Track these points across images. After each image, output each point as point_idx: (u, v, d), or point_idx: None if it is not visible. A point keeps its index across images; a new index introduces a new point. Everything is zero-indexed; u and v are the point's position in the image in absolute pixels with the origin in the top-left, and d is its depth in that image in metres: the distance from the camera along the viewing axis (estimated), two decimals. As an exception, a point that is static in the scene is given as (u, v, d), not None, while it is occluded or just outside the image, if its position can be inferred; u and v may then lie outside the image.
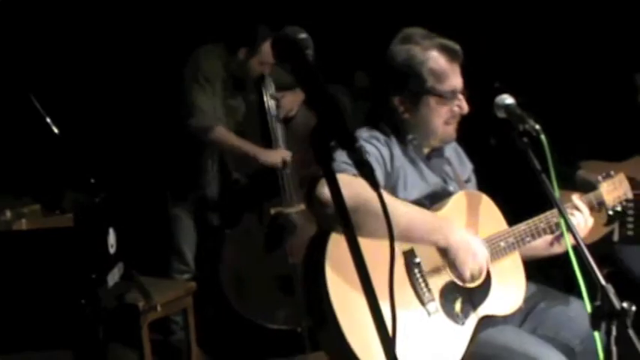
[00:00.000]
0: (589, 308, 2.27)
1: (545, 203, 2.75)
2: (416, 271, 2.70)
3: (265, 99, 4.86)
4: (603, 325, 2.19)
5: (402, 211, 2.65)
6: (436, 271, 2.75)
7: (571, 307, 2.98)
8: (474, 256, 2.75)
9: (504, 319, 2.88)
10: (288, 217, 4.79)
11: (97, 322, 3.44)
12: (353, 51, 5.22)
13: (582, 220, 2.98)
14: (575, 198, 3.03)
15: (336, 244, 2.56)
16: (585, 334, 2.87)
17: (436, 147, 3.02)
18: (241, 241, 4.85)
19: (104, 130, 5.25)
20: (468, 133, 3.04)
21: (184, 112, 4.66)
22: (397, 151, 2.89)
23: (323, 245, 2.58)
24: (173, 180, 4.96)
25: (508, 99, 2.78)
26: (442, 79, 2.87)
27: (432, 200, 2.88)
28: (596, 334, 2.33)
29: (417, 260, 2.71)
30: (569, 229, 2.54)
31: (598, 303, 2.21)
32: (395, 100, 2.90)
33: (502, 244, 2.88)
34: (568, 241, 2.64)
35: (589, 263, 2.35)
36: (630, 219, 4.25)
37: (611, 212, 3.17)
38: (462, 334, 2.75)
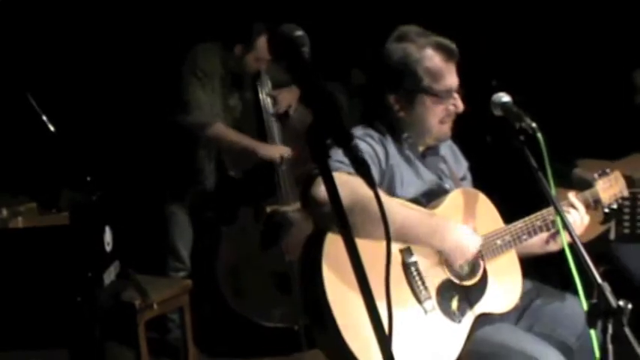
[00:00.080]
0: (585, 306, 2.27)
1: (541, 201, 2.76)
2: (412, 269, 2.70)
3: (261, 96, 4.86)
4: (599, 323, 2.19)
5: (398, 210, 2.65)
6: (433, 269, 2.75)
7: (567, 304, 2.99)
8: (466, 251, 2.76)
9: (501, 317, 2.88)
10: (284, 214, 4.79)
11: (94, 320, 3.44)
12: (349, 49, 5.21)
13: (578, 217, 2.98)
14: (572, 196, 3.03)
15: (333, 243, 2.56)
16: (581, 331, 2.87)
17: (431, 145, 3.01)
18: (237, 239, 4.86)
19: (100, 129, 5.25)
20: (465, 131, 3.04)
21: (180, 108, 4.66)
22: (392, 149, 2.88)
23: (320, 244, 2.57)
24: (169, 177, 4.95)
25: (505, 97, 2.78)
26: (438, 78, 2.86)
27: (429, 198, 2.88)
28: (593, 332, 2.34)
29: (414, 259, 2.71)
30: (566, 226, 2.55)
31: (594, 301, 2.22)
32: (390, 99, 2.89)
33: (498, 242, 2.88)
34: (564, 238, 2.65)
35: (585, 261, 2.36)
36: (626, 217, 4.25)
37: (607, 210, 3.17)
38: (458, 332, 2.75)
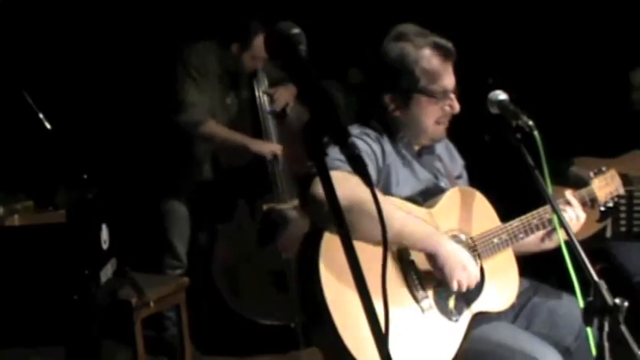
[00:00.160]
0: (581, 304, 2.27)
1: (538, 199, 2.76)
2: (409, 268, 2.70)
3: (257, 94, 4.86)
4: (596, 321, 2.20)
5: (397, 215, 2.62)
6: (430, 268, 2.74)
7: (563, 303, 2.99)
8: (463, 266, 2.71)
9: (497, 316, 2.88)
10: (280, 212, 4.79)
11: (90, 318, 3.44)
12: (346, 47, 5.21)
13: (574, 215, 2.98)
14: (568, 194, 3.03)
15: (330, 242, 2.55)
16: (578, 331, 2.88)
17: (427, 144, 3.01)
18: (234, 237, 4.86)
19: (97, 126, 5.25)
20: (461, 130, 3.04)
21: (175, 107, 4.65)
22: (388, 147, 2.88)
23: (317, 242, 2.57)
24: (168, 174, 4.95)
25: (501, 95, 2.78)
26: (434, 78, 2.85)
27: (425, 197, 2.88)
28: (589, 329, 2.34)
29: (411, 258, 2.70)
30: (562, 224, 2.55)
31: (590, 299, 2.22)
32: (386, 98, 2.88)
33: (495, 240, 2.88)
34: (561, 236, 2.65)
35: (582, 259, 2.36)
36: (623, 215, 4.26)
37: (602, 208, 3.18)
38: (455, 331, 2.74)
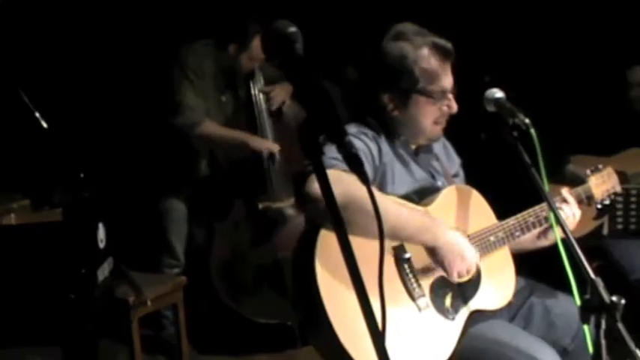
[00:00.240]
0: (578, 302, 2.27)
1: (534, 197, 2.75)
2: (406, 266, 2.70)
3: (254, 92, 4.86)
4: (592, 319, 2.20)
5: (393, 209, 2.64)
6: (426, 266, 2.74)
7: (560, 303, 2.99)
8: (462, 257, 2.73)
9: (494, 314, 2.88)
10: (276, 211, 4.79)
11: (87, 317, 3.43)
12: (341, 46, 5.21)
13: (571, 213, 2.98)
14: (564, 191, 3.04)
15: (326, 240, 2.55)
16: (576, 331, 2.89)
17: (424, 144, 3.01)
18: (230, 235, 4.85)
19: (94, 125, 5.24)
20: (458, 128, 3.04)
21: (171, 109, 4.66)
22: (385, 146, 2.88)
23: (312, 241, 2.57)
24: (164, 172, 4.95)
25: (498, 93, 2.78)
26: (433, 79, 2.85)
27: (421, 196, 2.88)
28: (586, 327, 2.34)
29: (407, 255, 2.71)
30: (559, 222, 2.55)
31: (587, 296, 2.22)
32: (384, 98, 2.88)
33: (492, 238, 2.88)
34: (557, 234, 2.65)
35: (578, 256, 2.36)
36: (619, 212, 4.26)
37: (599, 206, 3.18)
38: (452, 329, 2.75)
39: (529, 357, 2.68)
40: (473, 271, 2.79)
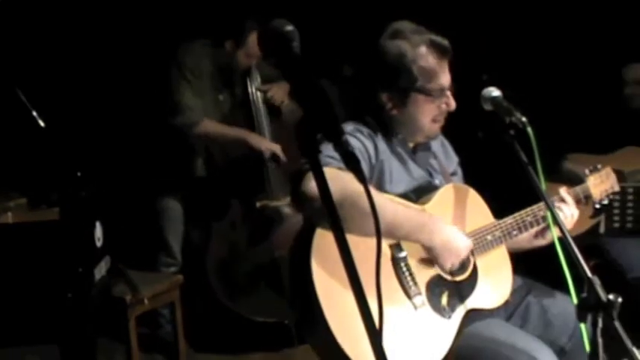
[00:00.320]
0: (575, 300, 2.27)
1: (532, 196, 2.75)
2: (402, 264, 2.70)
3: (251, 91, 4.86)
4: (589, 317, 2.20)
5: (388, 207, 2.64)
6: (422, 264, 2.75)
7: (557, 302, 2.99)
8: (457, 255, 2.75)
9: (491, 313, 2.88)
10: (274, 209, 4.79)
11: (84, 316, 3.43)
12: (339, 44, 5.21)
13: (569, 213, 2.98)
14: (562, 191, 3.03)
15: (322, 238, 2.56)
16: (573, 330, 2.89)
17: (422, 141, 3.01)
18: (227, 234, 4.85)
19: (91, 124, 5.24)
20: (455, 126, 3.04)
21: (170, 109, 4.66)
22: (382, 144, 2.88)
23: (309, 239, 2.57)
24: (160, 171, 4.95)
25: (495, 91, 2.78)
26: (431, 77, 2.85)
27: (418, 194, 2.88)
28: (583, 325, 2.34)
29: (404, 254, 2.71)
30: (556, 221, 2.55)
31: (584, 295, 2.22)
32: (383, 97, 2.88)
33: (489, 237, 2.88)
34: (554, 233, 2.65)
35: (575, 255, 2.36)
36: (616, 211, 4.26)
37: (597, 206, 3.17)
38: (448, 327, 2.75)
39: (526, 356, 2.68)
40: (467, 262, 2.79)
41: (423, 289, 2.73)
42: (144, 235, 5.00)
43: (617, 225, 4.30)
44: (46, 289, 3.37)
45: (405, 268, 2.70)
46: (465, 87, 2.92)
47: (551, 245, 2.69)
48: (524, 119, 2.65)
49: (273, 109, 4.91)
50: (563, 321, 2.93)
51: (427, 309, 2.72)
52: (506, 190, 3.30)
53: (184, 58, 4.69)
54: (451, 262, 2.75)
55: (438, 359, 2.70)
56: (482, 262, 2.86)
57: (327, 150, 2.27)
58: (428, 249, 2.74)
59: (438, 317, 2.73)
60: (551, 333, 2.93)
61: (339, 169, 2.24)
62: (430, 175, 3.00)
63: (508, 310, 2.99)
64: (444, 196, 2.89)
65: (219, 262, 4.83)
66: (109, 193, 3.90)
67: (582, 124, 4.68)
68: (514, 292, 2.96)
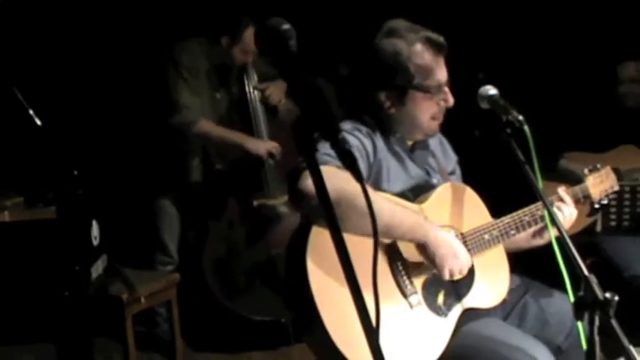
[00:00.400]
0: (572, 299, 2.27)
1: (530, 196, 2.75)
2: (398, 263, 2.70)
3: (248, 89, 4.86)
4: (586, 315, 2.20)
5: (385, 206, 2.63)
6: (419, 263, 2.74)
7: (555, 301, 2.99)
8: (454, 255, 2.72)
9: (488, 313, 2.88)
10: (271, 208, 4.79)
11: (81, 314, 3.43)
12: (334, 42, 5.21)
13: (567, 212, 2.97)
14: (561, 190, 3.03)
15: (318, 237, 2.55)
16: (569, 329, 2.89)
17: (420, 139, 3.01)
18: (224, 233, 4.85)
19: (88, 123, 5.23)
20: (452, 125, 3.04)
21: (168, 109, 4.65)
22: (380, 143, 2.87)
23: (304, 237, 2.57)
24: (157, 171, 4.94)
25: (491, 90, 2.78)
26: (428, 74, 2.84)
27: (416, 193, 2.87)
28: (580, 324, 2.34)
29: (400, 252, 2.71)
30: (553, 221, 2.55)
31: (581, 293, 2.22)
32: (381, 96, 2.87)
33: (486, 236, 2.87)
34: (552, 232, 2.65)
35: (572, 254, 2.36)
36: (613, 209, 4.27)
37: (597, 206, 3.17)
38: (444, 326, 2.75)
39: (522, 354, 2.68)
40: (465, 272, 2.78)
41: (419, 288, 2.73)
42: (140, 234, 5.00)
43: (613, 223, 4.30)
44: (43, 287, 3.36)
45: (401, 267, 2.70)
46: (462, 86, 2.92)
47: (549, 244, 2.69)
48: (520, 118, 2.65)
49: (270, 108, 4.90)
50: (560, 319, 2.93)
51: (423, 308, 2.72)
52: (504, 190, 3.30)
53: (181, 57, 4.69)
54: (448, 265, 2.70)
55: (433, 358, 2.70)
56: (479, 262, 2.86)
57: (324, 148, 2.27)
58: (422, 248, 2.71)
59: (434, 316, 2.73)
60: (548, 331, 2.93)
61: (336, 167, 2.24)
62: (428, 174, 2.99)
63: (505, 310, 2.99)
64: (442, 195, 2.88)
65: (216, 261, 4.83)
66: (105, 191, 3.90)
67: (578, 122, 4.68)
68: (512, 291, 2.96)
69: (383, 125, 2.90)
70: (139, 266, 4.57)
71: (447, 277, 2.71)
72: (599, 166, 3.16)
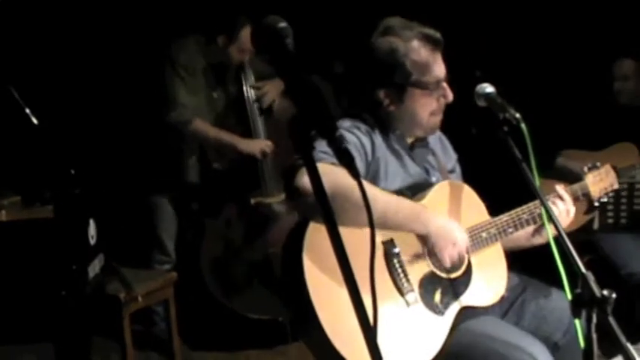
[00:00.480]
0: (570, 297, 2.27)
1: (528, 194, 2.75)
2: (395, 261, 2.70)
3: (245, 88, 4.85)
4: (584, 313, 2.20)
5: (380, 198, 2.63)
6: (416, 261, 2.74)
7: (552, 299, 2.99)
8: (453, 243, 2.74)
9: (486, 311, 2.88)
10: (268, 207, 4.79)
11: (78, 313, 3.43)
12: (330, 41, 5.21)
13: (565, 209, 2.97)
14: (560, 188, 3.02)
15: (314, 235, 2.55)
16: (567, 326, 2.88)
17: (420, 137, 3.01)
18: (222, 231, 4.85)
19: (84, 122, 5.23)
20: (450, 123, 3.04)
21: (165, 106, 4.65)
22: (379, 141, 2.87)
23: (301, 235, 2.57)
24: (154, 170, 4.94)
25: (488, 88, 2.78)
26: (425, 70, 2.84)
27: (414, 191, 2.87)
28: (577, 321, 2.34)
29: (397, 250, 2.70)
30: (551, 218, 2.55)
31: (579, 291, 2.22)
32: (380, 94, 2.87)
33: (484, 234, 2.87)
34: (549, 230, 2.65)
35: (570, 251, 2.36)
36: (610, 207, 4.27)
37: (597, 204, 3.17)
38: (441, 324, 2.74)
39: (519, 351, 2.68)
40: (464, 256, 2.79)
41: (415, 285, 2.73)
42: (138, 233, 4.99)
43: (610, 221, 4.31)
44: (40, 287, 3.36)
45: (397, 265, 2.70)
46: (459, 83, 2.92)
47: (547, 242, 2.69)
48: (518, 115, 2.65)
49: (264, 108, 4.90)
50: (557, 317, 2.92)
51: (420, 306, 2.71)
52: (502, 188, 3.30)
53: (178, 56, 4.69)
54: (448, 252, 2.73)
55: (430, 356, 2.69)
56: (476, 260, 2.86)
57: (321, 146, 2.27)
58: (422, 238, 2.73)
59: (431, 314, 2.73)
60: (546, 329, 2.93)
61: (332, 164, 2.24)
62: (427, 172, 2.99)
63: (503, 308, 2.99)
64: (439, 192, 2.88)
65: (214, 260, 4.83)
66: (102, 190, 3.89)
67: (574, 119, 4.69)
68: (510, 289, 2.96)
69: (382, 123, 2.90)
70: (136, 265, 4.58)
71: (448, 265, 2.74)
72: (598, 164, 3.16)
